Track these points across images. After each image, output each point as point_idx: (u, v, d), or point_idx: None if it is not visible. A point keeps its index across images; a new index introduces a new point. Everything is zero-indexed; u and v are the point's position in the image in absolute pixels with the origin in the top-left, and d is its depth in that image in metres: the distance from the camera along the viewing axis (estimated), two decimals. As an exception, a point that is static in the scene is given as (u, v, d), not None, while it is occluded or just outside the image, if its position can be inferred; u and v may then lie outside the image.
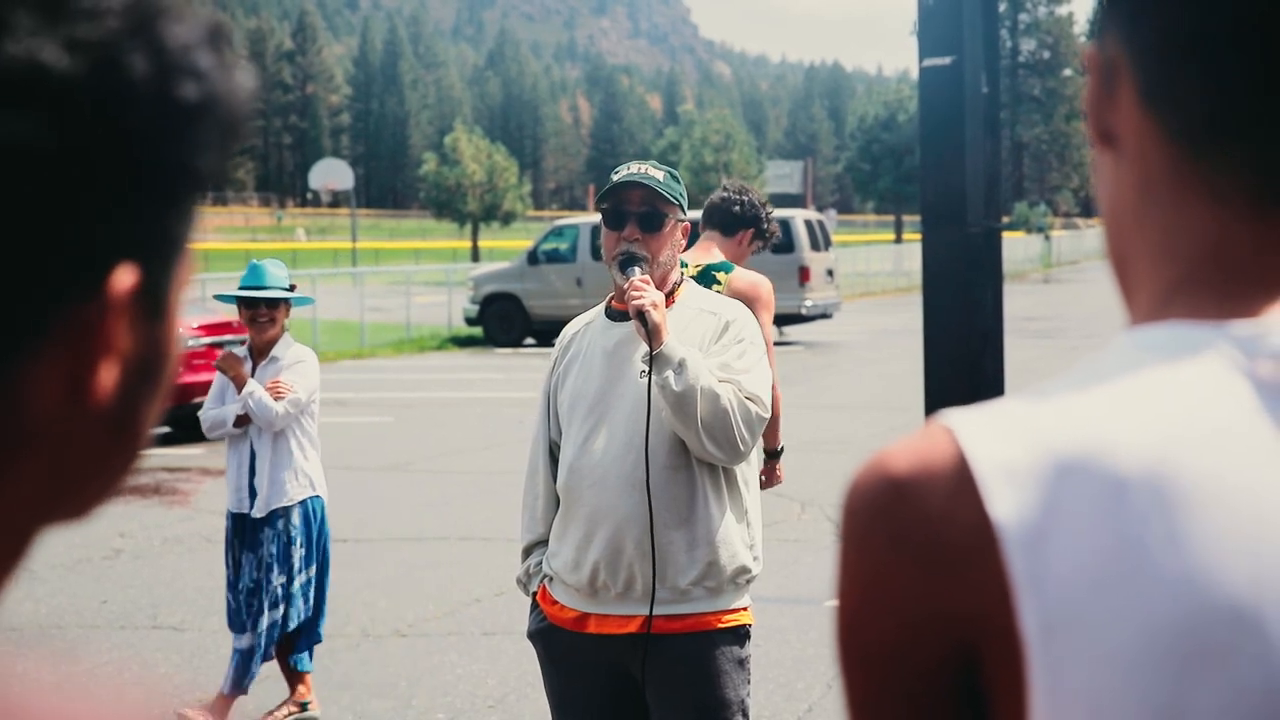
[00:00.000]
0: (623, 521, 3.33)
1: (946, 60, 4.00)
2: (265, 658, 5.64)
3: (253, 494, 5.70)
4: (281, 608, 5.61)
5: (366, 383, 18.68)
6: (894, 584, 0.83)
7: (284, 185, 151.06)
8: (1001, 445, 0.81)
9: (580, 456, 3.41)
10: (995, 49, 4.16)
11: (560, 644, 3.47)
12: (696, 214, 5.38)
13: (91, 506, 0.65)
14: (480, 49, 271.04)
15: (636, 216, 3.44)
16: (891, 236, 74.02)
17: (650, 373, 3.29)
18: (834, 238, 26.47)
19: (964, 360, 4.22)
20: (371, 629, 7.03)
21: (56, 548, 8.64)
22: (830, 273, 23.89)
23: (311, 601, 5.71)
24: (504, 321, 23.99)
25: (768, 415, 3.39)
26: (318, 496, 5.74)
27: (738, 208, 5.44)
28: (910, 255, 42.62)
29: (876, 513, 0.83)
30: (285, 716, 5.72)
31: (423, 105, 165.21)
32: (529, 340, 23.84)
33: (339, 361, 21.79)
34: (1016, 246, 54.24)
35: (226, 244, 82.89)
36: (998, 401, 0.86)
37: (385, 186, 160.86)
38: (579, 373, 3.50)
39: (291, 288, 5.72)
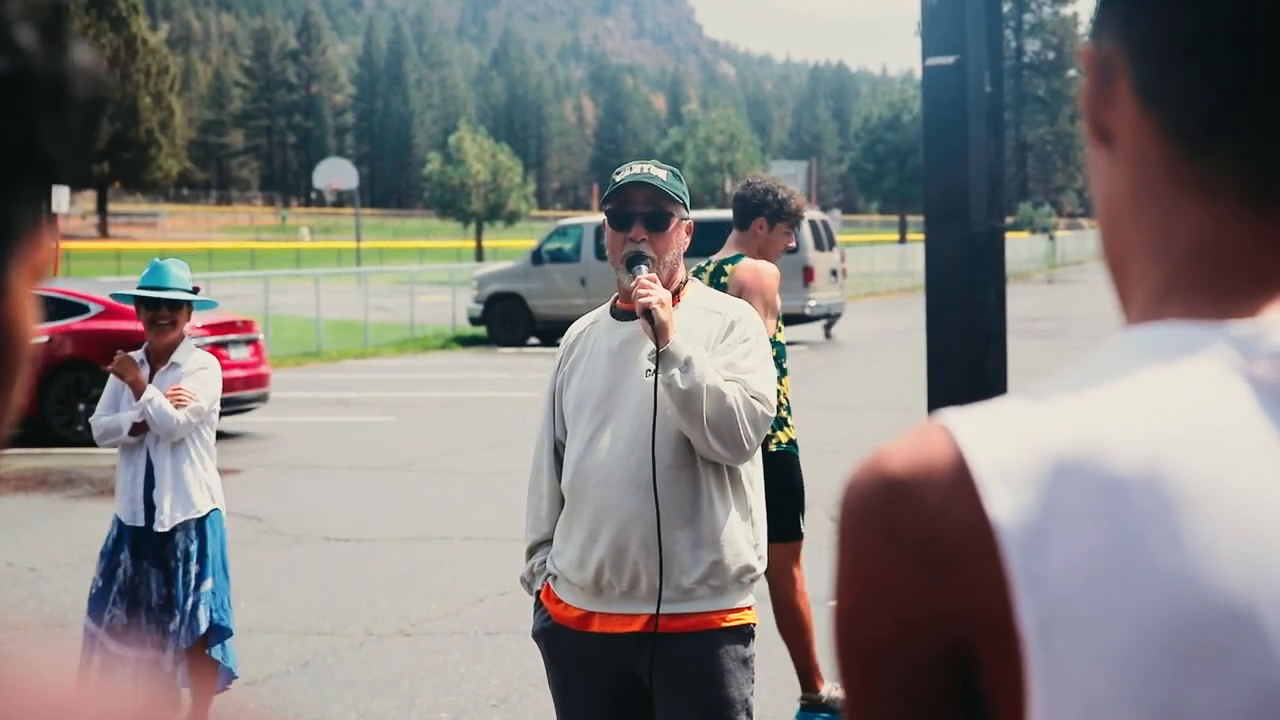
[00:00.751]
0: (628, 520, 3.34)
1: (950, 59, 4.00)
2: (176, 663, 5.32)
3: (149, 506, 5.34)
4: (189, 619, 5.28)
5: (370, 382, 18.69)
6: (890, 582, 0.83)
7: (288, 185, 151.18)
8: (999, 445, 0.82)
9: (585, 456, 3.42)
10: (999, 48, 4.16)
11: (564, 643, 3.48)
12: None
13: None
14: (484, 49, 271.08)
15: (642, 216, 3.44)
16: (896, 237, 74.02)
17: (656, 371, 3.29)
18: (838, 238, 26.45)
19: (967, 360, 4.21)
20: (375, 628, 7.03)
21: (60, 546, 8.64)
22: (835, 273, 23.87)
23: (216, 608, 5.36)
24: (508, 321, 24.00)
25: (773, 414, 3.39)
26: (217, 510, 5.49)
27: (743, 199, 5.59)
28: (914, 255, 42.59)
29: (873, 511, 0.84)
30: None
31: (427, 105, 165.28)
32: (533, 340, 23.85)
33: (342, 361, 21.81)
34: (1020, 247, 54.23)
35: (231, 243, 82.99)
36: (994, 401, 0.86)
37: (389, 186, 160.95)
38: (584, 372, 3.50)
39: (195, 289, 5.44)
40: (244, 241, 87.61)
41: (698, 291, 3.58)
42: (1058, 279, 48.43)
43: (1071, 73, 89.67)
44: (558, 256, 24.00)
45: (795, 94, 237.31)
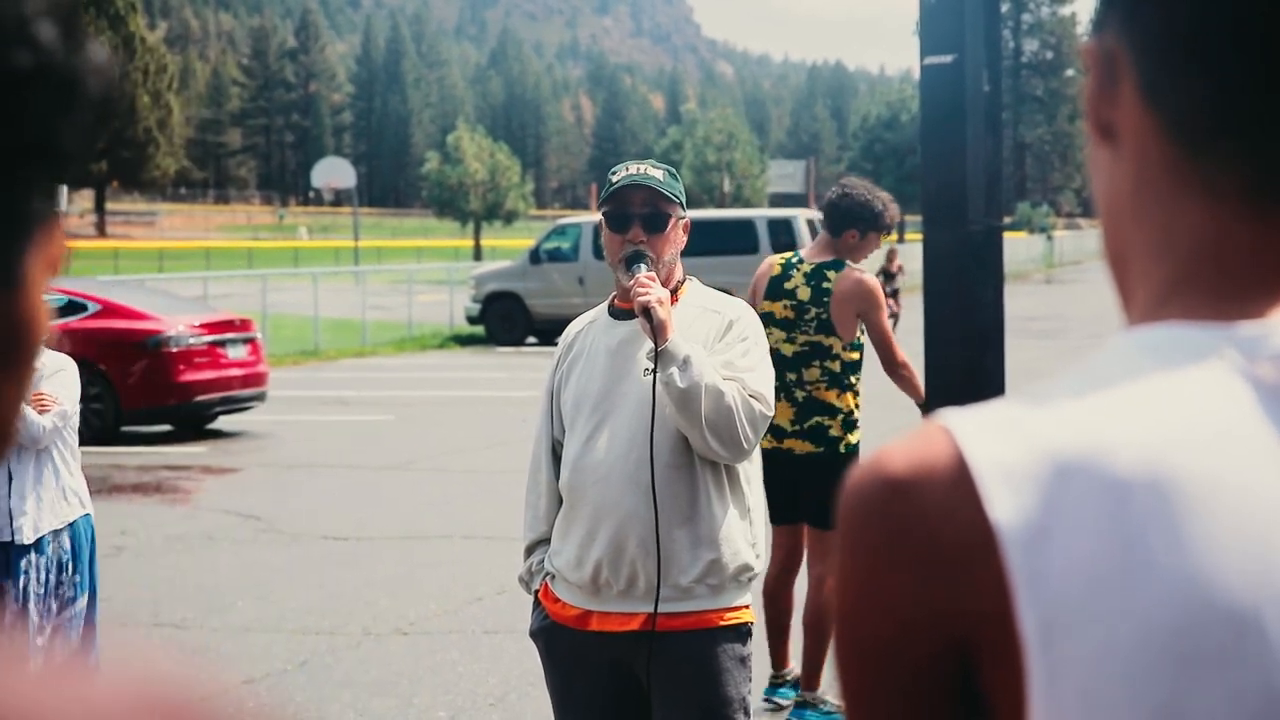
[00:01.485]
0: (626, 519, 3.34)
1: (948, 59, 4.00)
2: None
3: (11, 517, 4.99)
4: (56, 639, 5.00)
5: (368, 381, 18.69)
6: (890, 582, 0.83)
7: (286, 184, 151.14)
8: (1000, 446, 0.82)
9: (584, 455, 3.42)
10: (997, 47, 4.16)
11: (562, 642, 3.48)
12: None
13: None
14: (483, 48, 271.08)
15: (641, 218, 3.44)
16: (893, 236, 74.03)
17: (655, 369, 3.29)
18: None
19: (965, 359, 4.22)
20: (373, 627, 7.03)
21: (58, 545, 8.63)
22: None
23: (79, 625, 5.09)
24: (506, 320, 24.01)
25: (770, 413, 3.39)
26: (88, 515, 5.19)
27: (838, 207, 5.74)
28: (913, 255, 42.59)
29: (873, 512, 0.84)
30: None
31: (425, 104, 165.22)
32: (531, 339, 23.85)
33: (340, 360, 21.81)
34: (1019, 247, 54.23)
35: (229, 242, 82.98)
36: (994, 402, 0.86)
37: (387, 185, 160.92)
38: (582, 371, 3.50)
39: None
40: (242, 240, 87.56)
41: (696, 290, 3.58)
42: (1056, 279, 48.44)
43: (1070, 72, 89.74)
44: (556, 256, 24.00)
45: (793, 93, 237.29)
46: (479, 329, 24.62)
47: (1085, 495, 0.79)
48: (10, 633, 0.60)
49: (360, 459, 12.28)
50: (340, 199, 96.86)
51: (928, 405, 4.63)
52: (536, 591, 3.57)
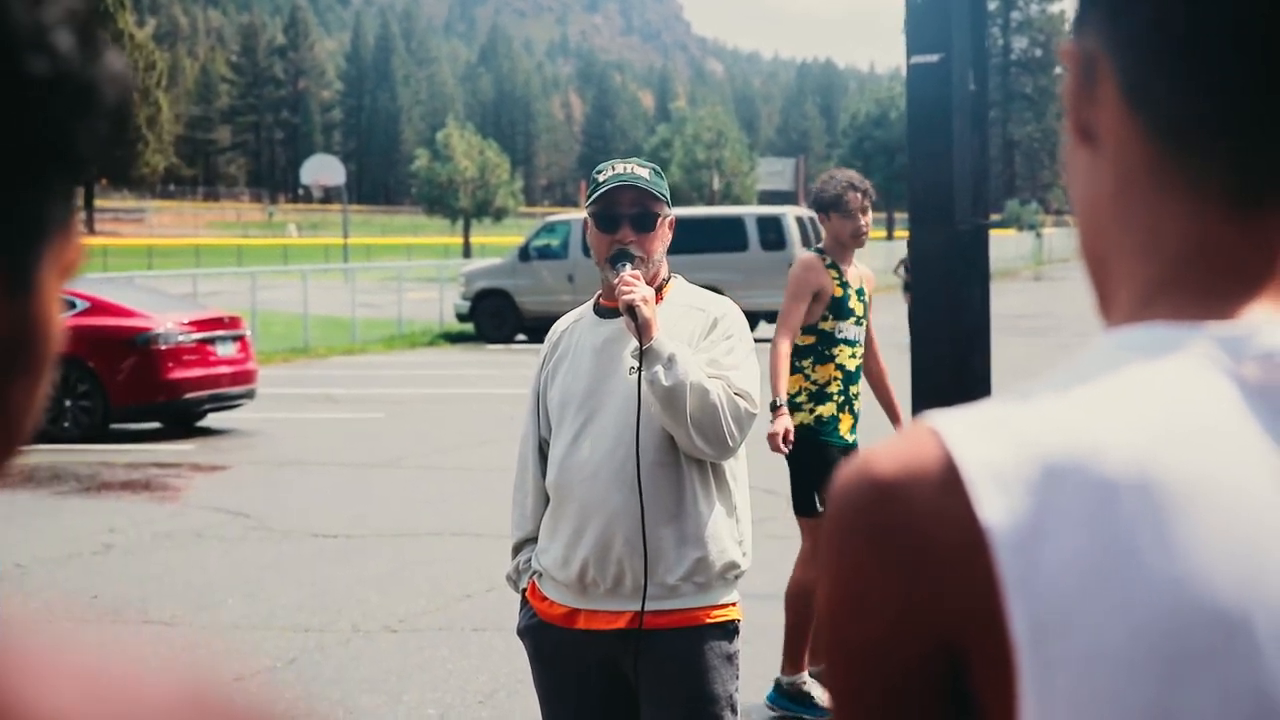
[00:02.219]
0: (612, 518, 3.34)
1: (934, 57, 4.01)
2: None
3: None
4: None
5: (358, 379, 18.67)
6: (878, 583, 0.83)
7: (275, 181, 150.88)
8: (989, 447, 0.82)
9: (570, 454, 3.42)
10: (983, 46, 4.17)
11: (549, 640, 3.48)
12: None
13: None
14: (472, 45, 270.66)
15: (630, 218, 3.45)
16: (883, 234, 74.05)
17: (640, 368, 3.30)
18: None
19: (952, 358, 4.23)
20: (362, 624, 7.03)
21: (46, 542, 8.63)
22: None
23: None
24: (495, 318, 24.01)
25: (756, 412, 3.40)
26: None
27: (814, 199, 5.98)
28: (900, 253, 42.62)
29: (860, 513, 0.84)
30: None
31: (415, 101, 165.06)
32: (520, 336, 23.85)
33: (330, 357, 21.79)
34: (1008, 244, 54.32)
35: (218, 239, 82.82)
36: (981, 403, 0.86)
37: (377, 182, 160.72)
38: (568, 370, 3.50)
39: None
40: (231, 238, 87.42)
41: (681, 288, 3.58)
42: (1045, 276, 48.52)
43: (1059, 70, 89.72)
44: (545, 253, 24.00)
45: (783, 91, 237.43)
46: (469, 326, 24.60)
47: (1074, 496, 0.79)
48: (49, 631, 0.61)
49: (350, 456, 12.27)
50: (330, 196, 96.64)
51: (915, 406, 4.64)
52: (524, 590, 3.57)
